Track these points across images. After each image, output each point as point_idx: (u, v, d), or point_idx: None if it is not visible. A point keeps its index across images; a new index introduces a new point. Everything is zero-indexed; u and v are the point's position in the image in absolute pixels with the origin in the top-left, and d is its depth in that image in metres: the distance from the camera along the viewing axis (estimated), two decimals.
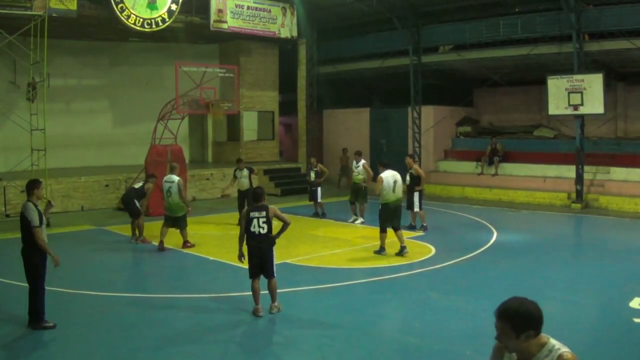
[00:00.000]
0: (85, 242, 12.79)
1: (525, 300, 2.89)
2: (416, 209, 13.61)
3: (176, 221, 11.82)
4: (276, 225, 7.76)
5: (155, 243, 11.87)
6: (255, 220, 7.56)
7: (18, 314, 7.45)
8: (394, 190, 11.13)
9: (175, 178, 11.75)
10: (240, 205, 14.27)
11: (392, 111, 23.49)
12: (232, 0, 20.17)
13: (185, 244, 11.85)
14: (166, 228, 11.77)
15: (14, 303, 7.68)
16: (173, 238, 11.94)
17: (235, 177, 14.78)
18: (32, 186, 7.09)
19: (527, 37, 18.87)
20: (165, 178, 12.02)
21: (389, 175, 11.16)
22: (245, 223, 7.61)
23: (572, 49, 17.38)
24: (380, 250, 11.24)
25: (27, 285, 7.17)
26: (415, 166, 13.82)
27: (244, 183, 14.52)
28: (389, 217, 11.17)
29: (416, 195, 13.52)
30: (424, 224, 13.71)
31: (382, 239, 11.21)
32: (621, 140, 19.49)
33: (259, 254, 7.61)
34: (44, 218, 7.03)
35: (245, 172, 14.57)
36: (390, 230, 11.22)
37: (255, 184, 13.95)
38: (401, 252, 11.02)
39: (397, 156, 21.72)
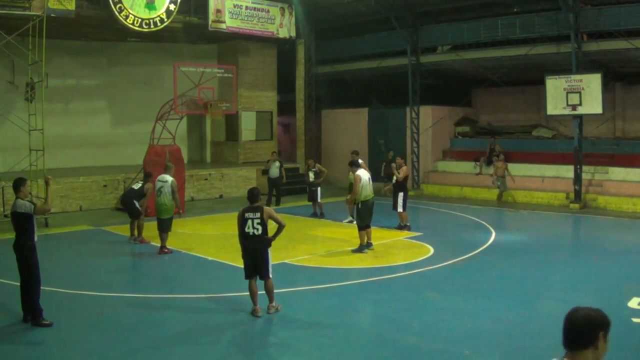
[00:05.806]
0: (84, 242, 12.79)
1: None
2: (399, 209, 13.67)
3: (159, 223, 11.37)
4: (272, 227, 7.74)
5: (154, 243, 11.84)
6: (250, 221, 7.54)
7: (16, 314, 7.45)
8: (369, 187, 11.54)
9: (169, 178, 11.31)
10: (269, 191, 17.54)
11: (390, 111, 23.48)
12: (231, 0, 20.15)
13: (162, 249, 11.34)
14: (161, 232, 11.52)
15: (13, 303, 7.66)
16: (173, 239, 11.88)
17: (268, 163, 17.86)
18: (19, 184, 7.41)
19: (526, 37, 18.88)
20: (159, 177, 11.57)
21: (364, 173, 11.52)
22: (240, 223, 7.60)
23: (571, 49, 17.39)
24: (362, 248, 11.38)
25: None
26: (404, 168, 13.94)
27: (275, 172, 17.47)
28: (370, 213, 11.51)
29: (400, 196, 13.58)
30: (408, 224, 13.75)
31: (363, 236, 11.43)
32: (619, 140, 19.50)
33: (254, 254, 7.60)
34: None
35: (277, 163, 17.61)
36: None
37: (284, 175, 17.69)
38: (369, 247, 11.46)
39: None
